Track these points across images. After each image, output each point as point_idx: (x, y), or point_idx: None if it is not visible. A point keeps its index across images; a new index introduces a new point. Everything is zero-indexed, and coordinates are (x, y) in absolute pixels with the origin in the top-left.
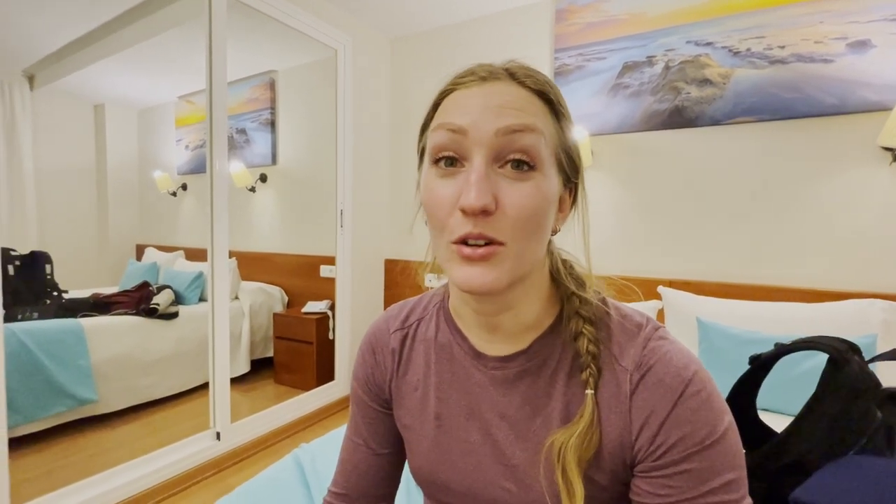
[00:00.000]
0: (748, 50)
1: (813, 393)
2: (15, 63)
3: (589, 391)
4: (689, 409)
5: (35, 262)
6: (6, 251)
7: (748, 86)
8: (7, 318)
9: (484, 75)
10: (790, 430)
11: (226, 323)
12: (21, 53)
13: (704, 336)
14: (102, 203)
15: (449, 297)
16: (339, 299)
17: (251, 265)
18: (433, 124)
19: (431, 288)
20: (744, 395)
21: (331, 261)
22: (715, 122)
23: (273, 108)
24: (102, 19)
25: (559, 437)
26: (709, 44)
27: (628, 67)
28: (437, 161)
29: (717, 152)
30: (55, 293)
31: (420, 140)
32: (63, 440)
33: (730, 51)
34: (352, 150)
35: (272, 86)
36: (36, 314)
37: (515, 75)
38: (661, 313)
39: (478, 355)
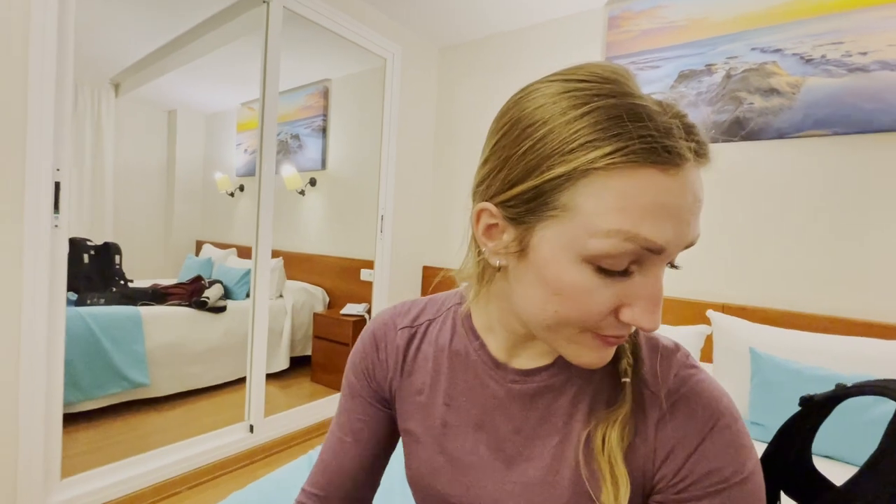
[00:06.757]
0: (823, 57)
1: (878, 445)
2: (103, 73)
3: (626, 379)
4: (718, 444)
5: (107, 253)
6: (82, 241)
7: (822, 96)
8: (77, 302)
9: (692, 156)
10: (849, 486)
11: (265, 320)
12: (109, 64)
13: (758, 369)
14: (169, 201)
15: (468, 303)
16: (376, 303)
17: (297, 265)
18: (604, 221)
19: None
20: (791, 440)
21: (371, 265)
22: (782, 134)
23: (325, 115)
24: (177, 33)
25: (600, 427)
26: (777, 51)
27: (684, 76)
28: (600, 267)
29: (784, 168)
30: (122, 282)
31: (527, 178)
32: (115, 419)
33: (801, 58)
34: (395, 157)
35: (326, 94)
36: (102, 300)
37: (706, 155)
38: (709, 339)
39: (497, 365)
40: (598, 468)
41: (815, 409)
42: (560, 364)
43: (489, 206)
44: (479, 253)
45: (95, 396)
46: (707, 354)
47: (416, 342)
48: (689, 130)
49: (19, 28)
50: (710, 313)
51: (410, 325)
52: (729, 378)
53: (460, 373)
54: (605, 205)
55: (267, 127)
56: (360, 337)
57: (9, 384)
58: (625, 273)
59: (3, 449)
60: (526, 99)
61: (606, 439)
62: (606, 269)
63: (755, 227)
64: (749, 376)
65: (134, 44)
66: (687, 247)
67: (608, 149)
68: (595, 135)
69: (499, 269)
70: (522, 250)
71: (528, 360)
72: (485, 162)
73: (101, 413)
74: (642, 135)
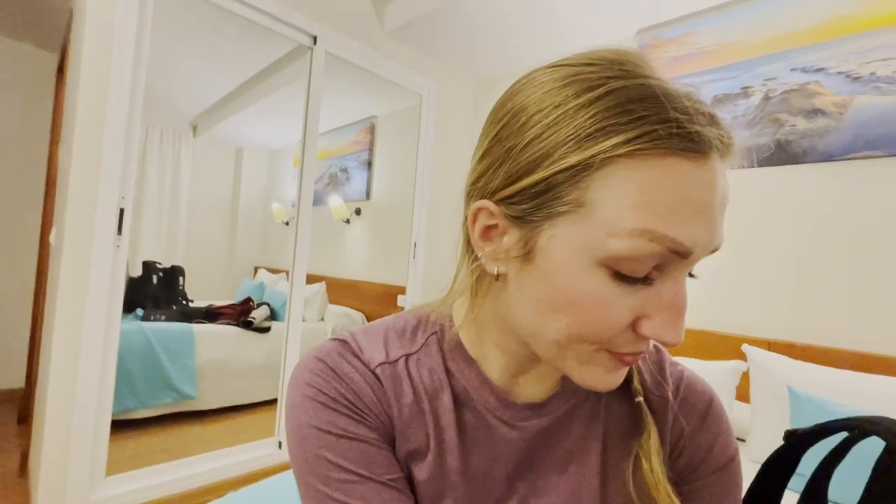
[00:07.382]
0: (872, 74)
1: (864, 489)
2: (184, 116)
3: (640, 399)
4: (715, 429)
5: (172, 274)
6: (153, 264)
7: (874, 115)
8: (143, 318)
9: (719, 146)
10: None
11: (298, 340)
12: (189, 108)
13: (797, 409)
14: (233, 229)
15: (455, 329)
16: None
17: (340, 290)
18: (627, 218)
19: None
20: (774, 476)
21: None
22: (829, 157)
23: (371, 149)
24: (243, 79)
25: (645, 463)
26: (820, 70)
27: (718, 101)
28: (619, 273)
29: (832, 192)
30: (182, 301)
31: (535, 169)
32: (162, 428)
33: (847, 76)
34: (430, 188)
35: (372, 129)
36: (163, 316)
37: (730, 148)
38: (745, 376)
39: (505, 404)
40: (649, 500)
41: (800, 445)
42: (569, 387)
43: (488, 204)
44: (474, 260)
45: (149, 405)
46: (742, 392)
47: (405, 384)
48: (712, 119)
49: (102, 80)
50: (745, 348)
51: (387, 360)
52: (767, 418)
53: (463, 418)
54: (627, 199)
55: (307, 161)
56: (317, 384)
57: (67, 389)
58: (645, 280)
59: (58, 446)
60: (530, 86)
61: (654, 469)
62: (625, 276)
63: (797, 256)
64: (788, 417)
65: (209, 90)
66: (712, 252)
67: (631, 133)
68: (615, 118)
69: (497, 277)
70: (527, 254)
71: (531, 388)
72: (482, 156)
73: (151, 421)
74: (673, 118)
